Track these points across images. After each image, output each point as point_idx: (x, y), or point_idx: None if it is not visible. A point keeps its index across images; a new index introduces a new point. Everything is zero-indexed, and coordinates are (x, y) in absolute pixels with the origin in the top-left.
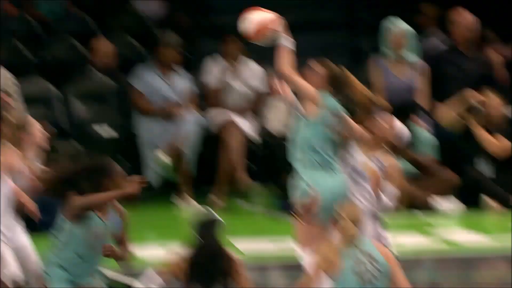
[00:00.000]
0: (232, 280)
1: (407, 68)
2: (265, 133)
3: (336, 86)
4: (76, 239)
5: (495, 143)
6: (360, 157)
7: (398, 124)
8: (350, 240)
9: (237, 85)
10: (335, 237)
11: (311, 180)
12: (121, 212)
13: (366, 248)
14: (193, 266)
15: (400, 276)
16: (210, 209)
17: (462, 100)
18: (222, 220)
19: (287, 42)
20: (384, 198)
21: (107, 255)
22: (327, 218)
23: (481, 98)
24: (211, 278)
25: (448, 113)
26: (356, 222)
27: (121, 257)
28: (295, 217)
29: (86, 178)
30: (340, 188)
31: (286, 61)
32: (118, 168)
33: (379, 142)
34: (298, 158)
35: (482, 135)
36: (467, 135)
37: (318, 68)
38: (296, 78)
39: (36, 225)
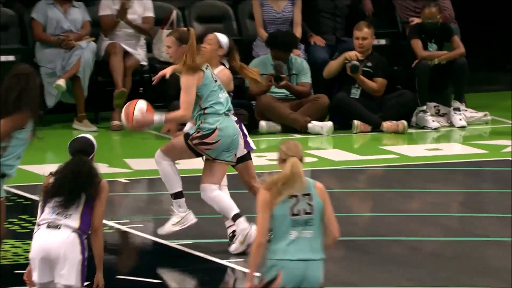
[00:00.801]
0: (93, 199)
1: (285, 2)
2: (154, 59)
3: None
4: None
5: (374, 86)
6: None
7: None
8: (295, 178)
9: (129, 16)
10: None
11: (218, 124)
12: None
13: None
14: (56, 179)
15: (332, 215)
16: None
17: (341, 58)
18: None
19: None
20: None
21: None
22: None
23: (358, 55)
24: (70, 192)
25: (332, 70)
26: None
27: None
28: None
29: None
30: (235, 128)
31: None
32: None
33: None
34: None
35: (364, 82)
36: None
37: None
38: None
39: None
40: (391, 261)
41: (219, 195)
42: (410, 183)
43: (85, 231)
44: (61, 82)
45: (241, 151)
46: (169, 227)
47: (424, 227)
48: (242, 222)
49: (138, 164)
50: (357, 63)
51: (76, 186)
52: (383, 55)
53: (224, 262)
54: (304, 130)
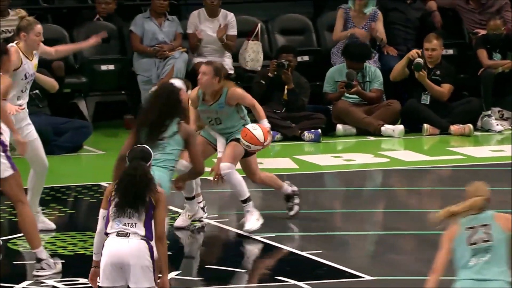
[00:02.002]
0: (153, 208)
1: (366, 19)
2: (240, 68)
3: None
4: None
5: (440, 90)
6: None
7: None
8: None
9: (211, 31)
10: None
11: None
12: None
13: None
14: (116, 186)
15: None
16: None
17: (405, 59)
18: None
19: None
20: None
21: None
22: None
23: (419, 52)
24: (130, 198)
25: (397, 71)
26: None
27: None
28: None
29: None
30: None
31: None
32: None
33: None
34: None
35: (429, 85)
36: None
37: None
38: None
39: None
40: None
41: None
42: None
43: (150, 238)
44: None
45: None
46: (254, 223)
47: None
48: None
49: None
50: (420, 60)
51: (133, 189)
52: (451, 64)
53: (303, 253)
54: (377, 133)
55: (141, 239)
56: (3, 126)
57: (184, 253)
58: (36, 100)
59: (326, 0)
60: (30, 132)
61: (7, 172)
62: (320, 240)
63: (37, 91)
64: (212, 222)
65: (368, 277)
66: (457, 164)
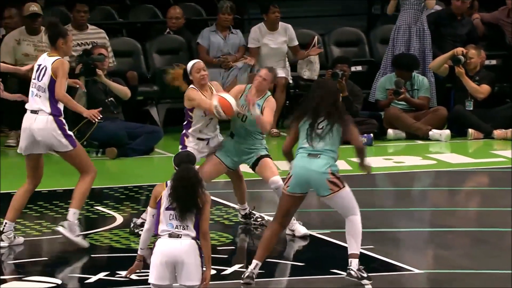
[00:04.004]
0: (199, 212)
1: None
2: (298, 77)
3: None
4: None
5: (476, 87)
6: None
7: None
8: None
9: (273, 43)
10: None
11: None
12: None
13: None
14: (169, 189)
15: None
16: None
17: (450, 53)
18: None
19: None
20: None
21: None
22: None
23: (464, 51)
24: (184, 202)
25: (438, 61)
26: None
27: None
28: None
29: None
30: None
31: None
32: None
33: None
34: None
35: (466, 81)
36: (454, 80)
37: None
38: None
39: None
40: (500, 249)
41: None
42: None
43: (198, 238)
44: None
45: None
46: (302, 227)
47: None
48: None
49: (285, 165)
50: (461, 57)
51: (187, 193)
52: (495, 73)
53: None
54: (426, 137)
55: (192, 239)
56: (60, 106)
57: (246, 248)
58: (111, 107)
59: (379, 15)
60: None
61: (66, 148)
62: (372, 236)
63: (112, 98)
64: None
65: (417, 271)
66: (499, 166)
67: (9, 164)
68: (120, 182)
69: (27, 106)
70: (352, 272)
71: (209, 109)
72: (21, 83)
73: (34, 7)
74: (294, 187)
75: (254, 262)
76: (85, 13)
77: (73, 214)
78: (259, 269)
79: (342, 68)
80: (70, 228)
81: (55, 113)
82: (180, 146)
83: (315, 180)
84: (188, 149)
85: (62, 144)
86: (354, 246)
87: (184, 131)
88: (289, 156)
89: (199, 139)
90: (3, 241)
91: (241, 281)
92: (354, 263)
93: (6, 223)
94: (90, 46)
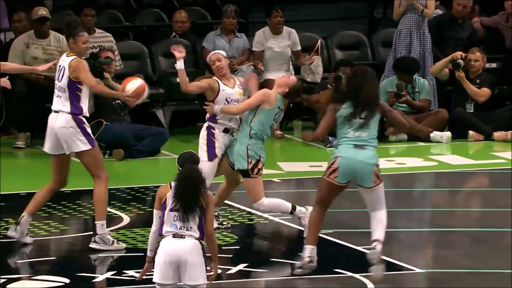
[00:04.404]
0: (203, 212)
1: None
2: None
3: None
4: None
5: (476, 90)
6: None
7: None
8: None
9: (276, 47)
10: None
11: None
12: None
13: None
14: (173, 189)
15: None
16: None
17: (449, 58)
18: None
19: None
20: None
21: None
22: None
23: (463, 55)
24: (187, 203)
25: (438, 66)
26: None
27: None
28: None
29: None
30: None
31: None
32: None
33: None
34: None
35: (467, 85)
36: (454, 83)
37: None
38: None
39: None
40: (500, 248)
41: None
42: None
43: (202, 238)
44: None
45: None
46: None
47: None
48: (300, 211)
49: (288, 166)
50: (460, 61)
51: (190, 193)
52: (495, 76)
53: (359, 248)
54: (427, 139)
55: (195, 239)
56: (82, 105)
57: (252, 248)
58: (118, 109)
59: (380, 19)
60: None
61: (84, 146)
62: None
63: (119, 101)
64: (276, 219)
65: (418, 270)
66: (500, 168)
67: (18, 165)
68: (127, 183)
69: (52, 106)
70: (375, 251)
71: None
72: (29, 85)
73: (43, 11)
74: (342, 178)
75: (309, 247)
76: (92, 17)
77: (101, 226)
78: (264, 269)
79: (345, 71)
80: (103, 240)
81: (74, 112)
82: (205, 139)
83: (362, 171)
84: (216, 142)
85: (80, 142)
86: (380, 232)
87: (207, 124)
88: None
89: (225, 130)
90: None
91: (302, 269)
92: (379, 246)
93: (23, 215)
94: (98, 49)
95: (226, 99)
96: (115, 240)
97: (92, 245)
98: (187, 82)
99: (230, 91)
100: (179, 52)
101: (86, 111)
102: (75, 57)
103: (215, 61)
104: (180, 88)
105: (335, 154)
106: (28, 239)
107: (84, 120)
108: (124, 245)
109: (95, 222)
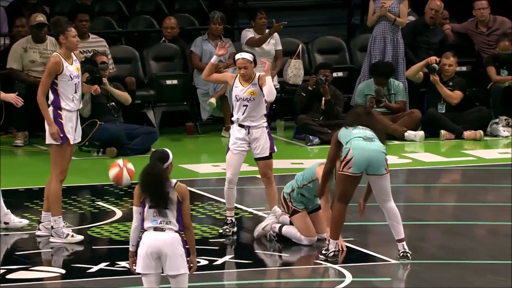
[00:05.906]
0: (180, 203)
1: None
2: (284, 82)
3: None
4: None
5: (450, 93)
6: None
7: None
8: None
9: (265, 45)
10: None
11: None
12: None
13: None
14: (142, 189)
15: None
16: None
17: (424, 62)
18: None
19: None
20: None
21: None
22: None
23: (437, 59)
24: (158, 200)
25: (413, 70)
26: None
27: None
28: None
29: None
30: None
31: None
32: None
33: None
34: None
35: (441, 88)
36: (427, 85)
37: None
38: None
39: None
40: (471, 240)
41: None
42: (487, 180)
43: (181, 230)
44: (213, 100)
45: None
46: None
47: (500, 214)
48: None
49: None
50: (435, 66)
51: (152, 188)
52: (465, 79)
53: (359, 248)
54: (401, 138)
55: (175, 232)
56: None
57: (236, 240)
58: (113, 111)
59: (358, 25)
60: None
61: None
62: (353, 229)
63: (113, 103)
64: (260, 213)
65: (393, 261)
66: (469, 165)
67: (18, 162)
68: None
69: None
70: (408, 255)
71: None
72: (28, 87)
73: (41, 18)
74: (356, 168)
75: (334, 241)
76: (86, 22)
77: (54, 221)
78: (248, 260)
79: (325, 73)
80: (57, 234)
81: (52, 104)
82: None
83: (376, 158)
84: (231, 136)
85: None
86: (400, 231)
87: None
88: (330, 176)
89: (240, 126)
90: (40, 230)
91: (326, 257)
92: (405, 246)
93: (57, 219)
94: (91, 53)
95: (235, 96)
96: (69, 234)
97: (51, 239)
98: (210, 73)
99: (240, 88)
100: (222, 50)
101: (65, 105)
102: (54, 53)
103: (241, 68)
104: (202, 75)
105: (347, 147)
106: (79, 237)
107: (62, 115)
108: (81, 237)
109: (52, 218)
